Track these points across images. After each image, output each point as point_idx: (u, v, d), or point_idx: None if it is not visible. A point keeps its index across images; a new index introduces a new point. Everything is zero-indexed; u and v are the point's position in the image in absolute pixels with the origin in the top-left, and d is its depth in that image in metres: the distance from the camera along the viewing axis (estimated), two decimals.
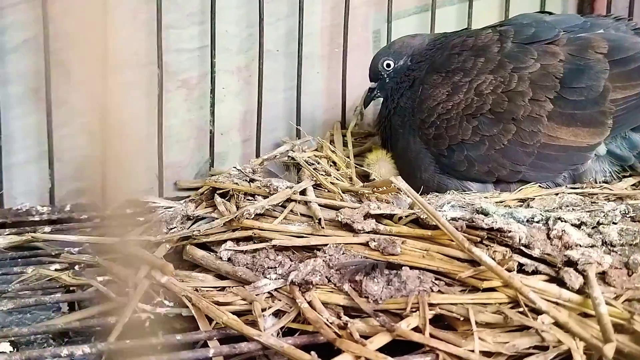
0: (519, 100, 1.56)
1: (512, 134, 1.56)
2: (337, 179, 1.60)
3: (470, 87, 1.60)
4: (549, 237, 1.30)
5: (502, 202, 1.53)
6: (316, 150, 1.82)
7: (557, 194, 1.52)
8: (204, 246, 1.43)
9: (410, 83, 1.73)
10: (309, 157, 1.69)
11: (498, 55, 1.61)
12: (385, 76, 1.79)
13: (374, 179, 1.70)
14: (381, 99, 1.83)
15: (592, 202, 1.47)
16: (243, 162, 1.88)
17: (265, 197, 1.48)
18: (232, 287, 1.32)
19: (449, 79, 1.64)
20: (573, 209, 1.44)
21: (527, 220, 1.36)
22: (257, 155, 1.93)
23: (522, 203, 1.53)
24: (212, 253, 1.41)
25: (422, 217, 1.35)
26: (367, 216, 1.38)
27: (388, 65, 1.79)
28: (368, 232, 1.35)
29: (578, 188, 1.56)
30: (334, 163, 1.76)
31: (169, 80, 1.89)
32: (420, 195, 1.59)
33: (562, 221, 1.33)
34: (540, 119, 1.55)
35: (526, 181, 1.59)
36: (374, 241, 1.32)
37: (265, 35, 1.91)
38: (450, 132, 1.61)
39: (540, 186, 1.58)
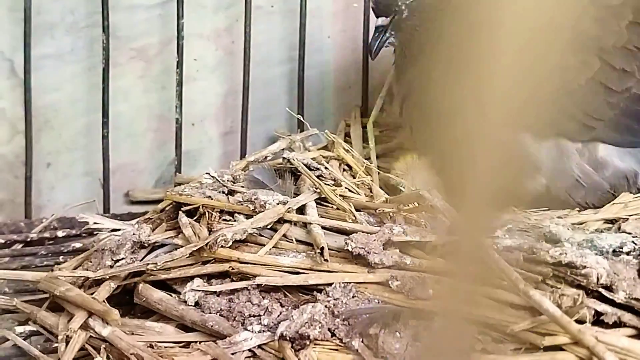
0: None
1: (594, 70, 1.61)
2: (350, 191, 1.67)
3: None
4: None
5: (582, 223, 1.61)
6: (325, 148, 1.88)
7: None
8: (163, 285, 1.51)
9: None
10: (313, 158, 1.75)
11: None
12: (404, 7, 1.69)
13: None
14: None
15: None
16: (223, 164, 1.96)
17: (248, 216, 1.55)
18: (200, 342, 1.40)
19: None
20: None
21: (614, 251, 1.44)
22: (242, 156, 1.99)
23: (611, 225, 1.61)
24: (173, 295, 1.49)
25: None
26: (388, 244, 1.46)
27: None
28: (389, 267, 1.42)
29: None
30: (349, 167, 1.82)
31: (119, 49, 1.95)
32: None
33: None
34: None
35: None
36: (397, 280, 1.40)
37: None
38: None
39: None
